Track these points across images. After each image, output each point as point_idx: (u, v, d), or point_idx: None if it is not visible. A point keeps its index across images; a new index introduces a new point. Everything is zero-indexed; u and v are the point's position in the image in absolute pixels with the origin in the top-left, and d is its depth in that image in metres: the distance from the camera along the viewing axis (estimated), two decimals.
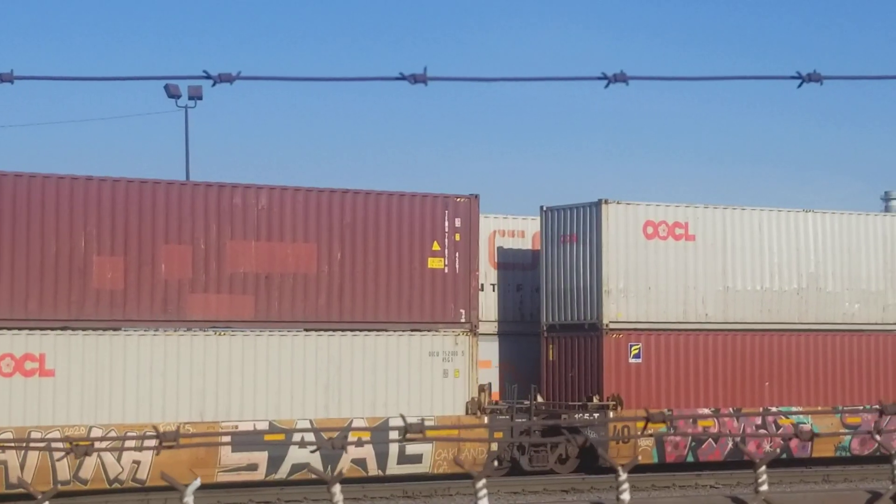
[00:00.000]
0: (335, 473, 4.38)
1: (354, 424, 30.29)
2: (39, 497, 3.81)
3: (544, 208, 35.82)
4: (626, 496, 4.42)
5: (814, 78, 4.92)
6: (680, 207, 35.51)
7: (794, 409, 36.14)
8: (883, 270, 37.68)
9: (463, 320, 32.21)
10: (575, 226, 35.07)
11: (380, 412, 31.01)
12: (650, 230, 34.96)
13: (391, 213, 31.54)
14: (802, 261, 36.67)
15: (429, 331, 31.84)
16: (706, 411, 35.02)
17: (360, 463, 30.84)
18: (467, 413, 31.89)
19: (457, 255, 32.20)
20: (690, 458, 35.10)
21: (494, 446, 32.69)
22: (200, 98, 53.57)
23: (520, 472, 33.27)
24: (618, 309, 34.50)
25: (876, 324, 37.52)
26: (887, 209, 66.10)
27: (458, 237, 32.20)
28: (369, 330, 31.18)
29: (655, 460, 34.67)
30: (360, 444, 30.70)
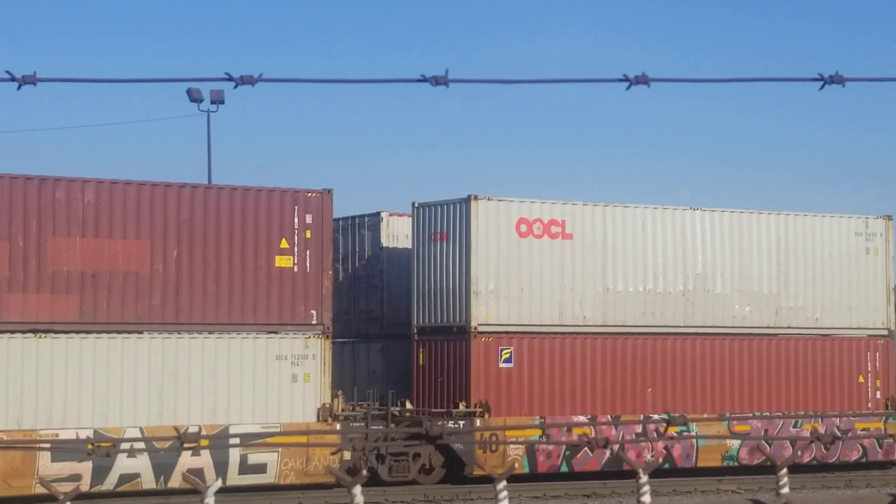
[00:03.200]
0: (356, 474, 4.17)
1: (191, 432, 28.48)
2: (62, 497, 3.92)
3: (416, 205, 34.11)
4: (647, 498, 4.50)
5: (836, 80, 4.87)
6: (556, 204, 33.79)
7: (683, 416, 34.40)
8: (776, 272, 35.97)
9: (314, 322, 30.50)
10: (445, 223, 33.35)
11: (220, 419, 29.29)
12: (524, 228, 33.25)
13: (234, 209, 29.82)
14: (689, 261, 34.95)
15: (276, 333, 30.12)
16: (582, 419, 33.31)
17: (197, 473, 29.06)
18: (318, 420, 30.15)
19: (308, 252, 30.48)
20: (564, 468, 33.36)
21: (347, 455, 30.97)
22: (222, 102, 53.69)
23: (379, 482, 31.54)
24: (487, 311, 32.77)
25: (767, 327, 35.81)
26: None
27: (309, 234, 30.48)
28: (209, 332, 29.45)
29: (526, 470, 32.95)
30: (196, 452, 28.95)
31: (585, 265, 33.80)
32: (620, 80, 4.46)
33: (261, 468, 29.70)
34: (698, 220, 35.19)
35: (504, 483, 4.60)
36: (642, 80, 4.45)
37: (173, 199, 29.26)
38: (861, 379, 36.80)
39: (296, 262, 30.31)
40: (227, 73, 4.01)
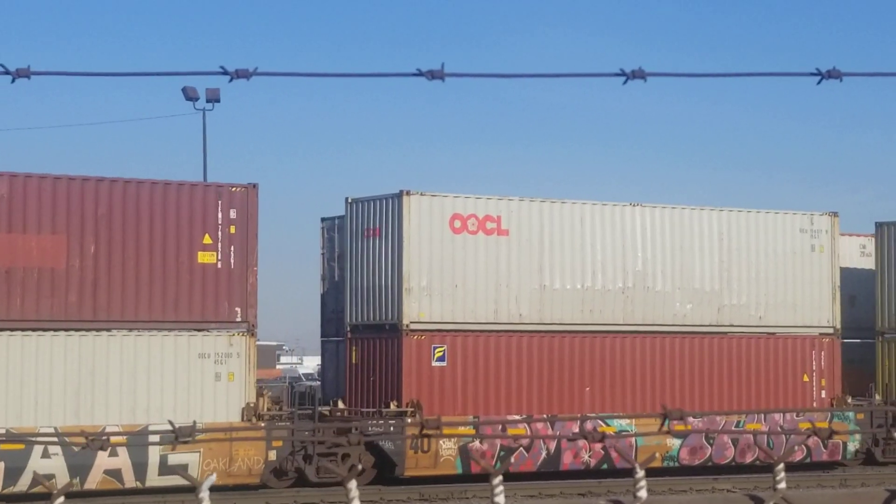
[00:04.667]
0: (350, 469, 3.64)
1: (109, 431, 27.78)
2: (55, 493, 3.65)
3: (349, 200, 33.46)
4: (643, 493, 4.26)
5: (833, 74, 4.86)
6: (492, 200, 33.14)
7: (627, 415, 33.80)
8: (718, 269, 35.34)
9: (239, 319, 29.81)
10: (378, 219, 32.70)
11: (140, 418, 28.58)
12: (458, 224, 32.59)
13: (154, 203, 29.11)
14: (629, 258, 34.32)
15: (199, 331, 29.43)
16: (517, 418, 32.65)
17: (115, 474, 28.38)
18: (242, 419, 29.45)
19: (232, 248, 29.79)
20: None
21: (273, 456, 30.30)
22: (218, 100, 53.65)
23: (306, 483, 30.86)
24: (420, 308, 32.11)
25: (710, 325, 35.19)
26: None
27: (233, 230, 29.79)
28: (129, 329, 28.75)
29: (459, 471, 32.30)
30: (114, 452, 28.26)
31: (522, 262, 33.17)
32: (617, 75, 4.43)
33: (181, 469, 28.96)
34: (638, 217, 34.56)
35: (500, 478, 4.25)
36: (639, 74, 4.43)
37: (90, 194, 28.55)
38: (806, 378, 36.20)
39: (219, 258, 29.62)
40: (222, 67, 4.06)
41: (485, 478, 32.54)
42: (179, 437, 5.54)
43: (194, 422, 27.74)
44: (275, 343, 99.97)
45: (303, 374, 68.97)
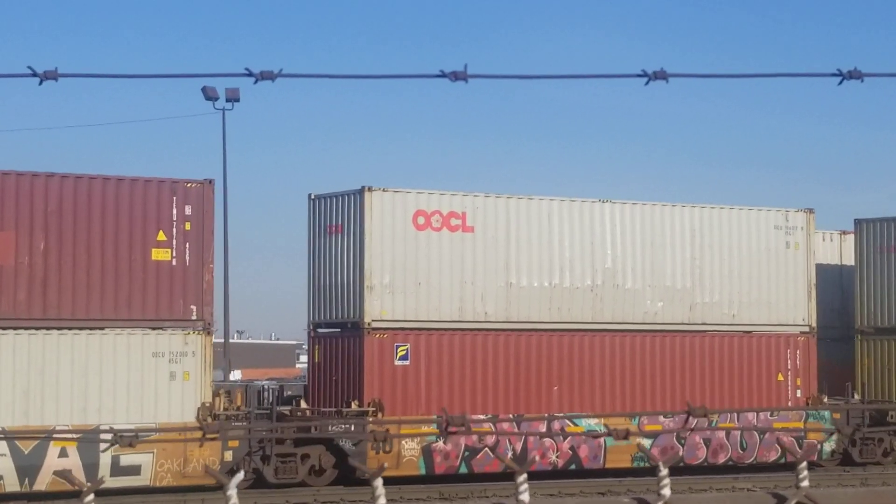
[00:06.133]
0: (378, 467, 3.91)
1: (59, 431, 27.27)
2: (85, 489, 3.97)
3: (312, 196, 32.93)
4: (666, 491, 4.34)
5: (854, 75, 4.94)
6: (457, 196, 32.58)
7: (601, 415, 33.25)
8: (690, 266, 34.74)
9: (194, 317, 29.27)
10: (340, 216, 32.16)
11: (91, 419, 28.03)
12: (421, 220, 32.04)
13: (106, 199, 28.58)
14: (598, 255, 33.73)
15: (153, 329, 28.90)
16: (482, 418, 32.07)
17: (65, 475, 27.79)
18: (198, 419, 28.91)
19: (187, 245, 29.26)
20: (464, 469, 32.12)
21: (229, 456, 29.76)
22: (237, 100, 53.61)
23: (264, 484, 30.31)
24: (382, 306, 31.56)
25: (682, 324, 34.59)
26: None
27: (188, 226, 29.25)
28: (80, 328, 28.21)
29: (422, 472, 31.73)
30: (63, 453, 27.75)
31: (487, 259, 32.61)
32: (639, 76, 4.43)
33: (134, 469, 28.47)
34: (608, 213, 33.98)
35: (525, 476, 3.95)
36: (661, 75, 4.43)
37: (40, 190, 28.04)
38: (780, 377, 35.59)
39: (174, 254, 29.09)
40: (246, 69, 4.07)
41: (448, 478, 32.06)
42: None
43: (136, 433, 27.25)
44: (294, 342, 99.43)
45: None
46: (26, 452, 27.31)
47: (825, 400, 35.73)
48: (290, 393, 34.37)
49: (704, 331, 34.87)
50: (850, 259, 38.87)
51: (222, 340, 61.35)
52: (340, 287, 32.00)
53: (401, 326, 31.71)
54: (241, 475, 4.05)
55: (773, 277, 35.62)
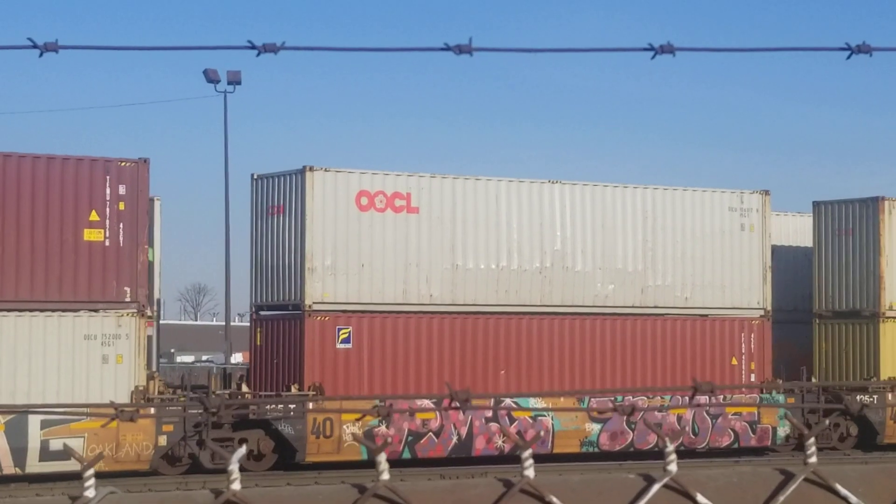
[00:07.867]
0: (379, 444, 3.41)
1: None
2: (85, 464, 3.41)
3: (254, 176, 32.34)
4: (672, 467, 3.91)
5: (863, 49, 4.47)
6: (401, 176, 32.00)
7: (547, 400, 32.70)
8: (642, 249, 34.17)
9: (128, 299, 28.68)
10: (281, 196, 31.57)
11: (20, 402, 27.40)
12: (365, 201, 31.45)
13: (36, 179, 27.95)
14: (547, 237, 33.15)
15: (84, 311, 28.30)
16: (427, 402, 31.51)
17: None
18: (131, 403, 28.29)
19: (121, 226, 28.64)
20: (407, 455, 31.57)
21: (163, 441, 29.20)
22: (239, 83, 53.53)
23: (200, 469, 29.76)
24: (324, 288, 30.98)
25: (633, 307, 34.04)
26: None
27: (122, 206, 28.63)
28: (7, 310, 27.62)
29: (364, 457, 31.16)
30: None
31: (433, 240, 32.03)
32: (645, 50, 4.38)
33: (64, 455, 27.86)
34: (557, 194, 33.39)
35: (530, 451, 3.49)
36: (667, 49, 4.39)
37: None
38: (734, 361, 35.06)
39: (107, 235, 28.48)
40: (249, 41, 4.04)
41: (392, 463, 31.49)
42: None
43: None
44: None
45: None
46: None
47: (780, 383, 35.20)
48: (240, 375, 33.85)
49: (657, 314, 34.33)
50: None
51: (230, 324, 60.82)
52: (282, 269, 31.44)
53: (343, 309, 31.15)
54: (243, 450, 3.59)
55: (728, 260, 35.06)
